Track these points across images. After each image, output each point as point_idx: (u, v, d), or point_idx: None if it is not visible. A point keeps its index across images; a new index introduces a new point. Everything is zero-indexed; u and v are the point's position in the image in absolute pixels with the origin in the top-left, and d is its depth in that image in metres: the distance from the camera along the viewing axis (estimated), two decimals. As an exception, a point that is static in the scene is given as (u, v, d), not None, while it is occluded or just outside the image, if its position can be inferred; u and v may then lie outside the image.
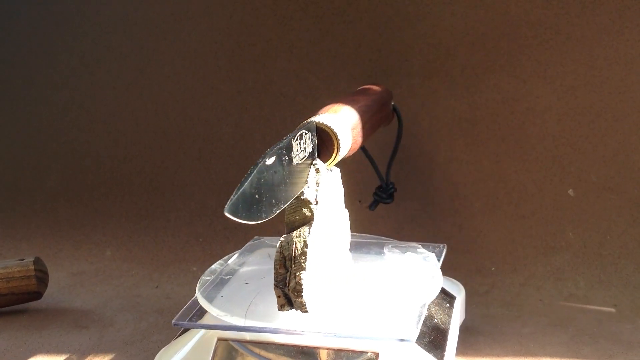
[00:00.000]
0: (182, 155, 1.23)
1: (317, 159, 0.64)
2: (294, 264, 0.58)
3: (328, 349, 0.62)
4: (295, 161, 0.60)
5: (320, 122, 0.64)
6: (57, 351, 0.80)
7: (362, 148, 0.90)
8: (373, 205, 0.95)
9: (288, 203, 0.60)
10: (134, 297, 0.97)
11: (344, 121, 0.67)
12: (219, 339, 0.65)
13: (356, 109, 0.73)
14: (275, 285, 0.59)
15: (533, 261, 1.01)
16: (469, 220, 1.07)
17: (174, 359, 0.67)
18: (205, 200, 1.19)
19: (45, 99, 1.32)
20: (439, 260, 0.76)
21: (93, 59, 1.29)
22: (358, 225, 0.79)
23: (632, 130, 1.03)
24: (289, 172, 0.59)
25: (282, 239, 0.60)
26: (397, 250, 0.79)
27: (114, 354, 0.79)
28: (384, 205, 0.96)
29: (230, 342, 0.65)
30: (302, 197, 0.61)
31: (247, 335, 0.64)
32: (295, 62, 1.18)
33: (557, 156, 1.05)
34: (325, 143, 0.65)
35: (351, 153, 0.71)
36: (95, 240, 1.18)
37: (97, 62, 1.28)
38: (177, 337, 0.72)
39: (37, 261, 0.92)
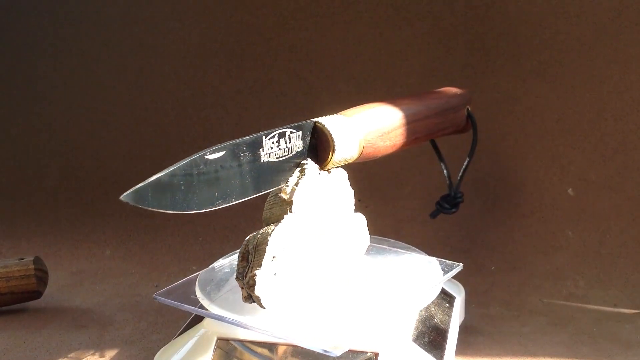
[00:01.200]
0: (182, 154, 1.21)
1: (308, 159, 0.64)
2: (254, 258, 0.59)
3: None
4: (265, 159, 0.60)
5: (319, 122, 0.64)
6: (57, 350, 0.80)
7: (437, 153, 0.87)
8: (434, 214, 0.88)
9: (247, 198, 0.60)
10: (134, 296, 0.97)
11: (352, 124, 0.65)
12: (219, 338, 0.65)
13: (388, 113, 0.70)
14: (237, 277, 0.60)
15: (533, 260, 1.01)
16: (469, 220, 1.07)
17: (173, 358, 0.67)
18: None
19: (45, 97, 1.32)
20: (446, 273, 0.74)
21: (93, 58, 1.29)
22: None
23: (632, 129, 1.03)
24: (252, 169, 0.60)
25: (253, 233, 0.61)
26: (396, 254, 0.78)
27: (113, 353, 0.79)
28: (388, 204, 0.95)
29: (230, 342, 0.65)
30: (278, 194, 0.62)
31: (240, 332, 0.64)
32: (295, 62, 1.18)
33: (557, 155, 1.05)
34: (322, 144, 0.64)
35: (371, 158, 0.69)
36: (95, 240, 1.18)
37: (97, 62, 1.29)
38: (177, 337, 0.72)
39: (37, 260, 0.92)
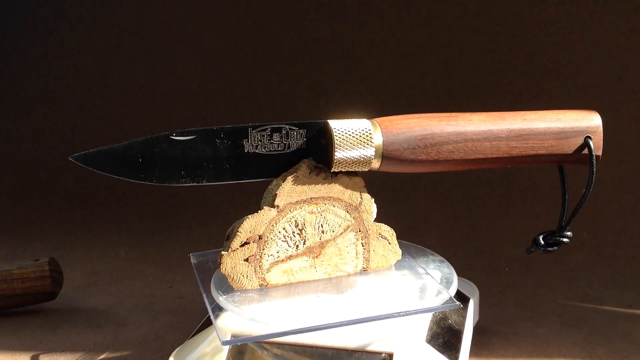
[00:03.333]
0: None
1: (309, 159, 0.65)
2: (228, 241, 0.64)
3: (343, 349, 0.62)
4: (250, 149, 0.63)
5: (329, 122, 0.64)
6: (72, 350, 0.80)
7: (562, 180, 0.75)
8: (529, 250, 0.75)
9: (223, 182, 0.63)
10: (148, 297, 0.97)
11: (373, 129, 0.64)
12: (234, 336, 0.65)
13: (430, 125, 0.66)
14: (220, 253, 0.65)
15: (547, 261, 1.01)
16: (483, 220, 1.07)
17: (188, 359, 0.67)
18: (218, 201, 1.19)
19: (59, 100, 1.32)
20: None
21: (108, 61, 1.29)
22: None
23: (647, 130, 1.03)
24: (231, 157, 0.63)
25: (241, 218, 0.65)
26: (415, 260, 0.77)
27: (128, 354, 0.79)
28: (402, 205, 0.95)
29: (247, 342, 0.65)
30: (270, 186, 0.65)
31: (254, 332, 0.64)
32: (308, 63, 1.18)
33: (571, 156, 1.05)
34: (330, 145, 0.64)
35: (406, 170, 0.67)
36: (109, 241, 1.18)
37: (111, 64, 1.29)
38: (191, 337, 0.72)
39: (52, 262, 0.93)
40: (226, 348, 0.65)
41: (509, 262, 1.02)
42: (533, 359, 0.76)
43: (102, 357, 0.78)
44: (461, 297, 0.77)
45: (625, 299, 0.92)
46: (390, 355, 0.62)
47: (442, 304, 0.63)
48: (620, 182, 1.02)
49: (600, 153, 0.72)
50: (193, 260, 0.74)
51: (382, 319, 0.60)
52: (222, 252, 0.64)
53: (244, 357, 0.65)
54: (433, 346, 0.65)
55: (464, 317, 0.74)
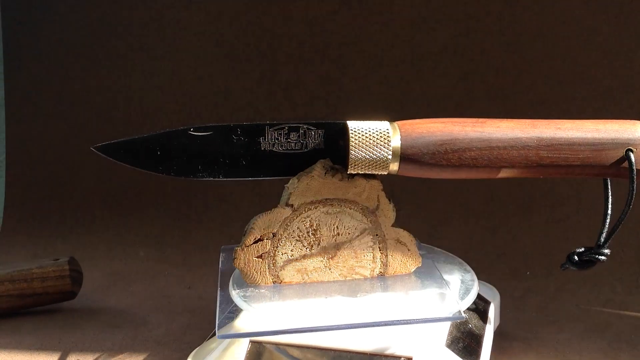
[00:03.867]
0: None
1: (326, 160, 0.65)
2: (244, 237, 0.66)
3: (362, 352, 0.62)
4: (266, 147, 0.64)
5: (347, 123, 0.64)
6: (91, 350, 0.81)
7: (605, 192, 0.70)
8: (563, 266, 0.72)
9: (240, 179, 0.65)
10: (167, 297, 0.98)
11: (392, 133, 0.63)
12: (252, 342, 0.65)
13: (454, 131, 0.65)
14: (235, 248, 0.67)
15: (569, 265, 1.00)
16: (504, 224, 1.06)
17: (206, 360, 0.67)
18: (238, 201, 1.19)
19: (79, 100, 1.33)
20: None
21: (126, 61, 1.30)
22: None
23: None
24: (247, 154, 0.64)
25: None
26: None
27: (147, 354, 0.79)
28: (421, 207, 0.93)
29: (264, 344, 0.65)
30: (286, 184, 0.66)
31: (277, 337, 0.64)
32: (327, 64, 1.18)
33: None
34: (347, 146, 0.63)
35: (428, 175, 0.66)
36: (129, 241, 1.19)
37: (130, 65, 1.30)
38: (209, 338, 0.72)
39: (72, 261, 0.93)
40: (244, 349, 0.65)
41: (530, 267, 1.01)
42: (555, 364, 0.75)
43: (120, 356, 0.79)
44: (482, 301, 0.77)
45: (650, 304, 0.91)
46: (410, 359, 0.61)
47: (449, 316, 0.62)
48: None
49: None
50: (222, 254, 0.75)
51: (381, 325, 0.60)
52: (236, 247, 0.66)
53: (261, 359, 0.65)
54: (453, 350, 0.64)
55: (485, 322, 0.73)
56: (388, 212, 0.67)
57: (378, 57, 1.15)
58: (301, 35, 1.18)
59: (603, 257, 0.67)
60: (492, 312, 0.77)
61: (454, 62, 1.10)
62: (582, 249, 0.69)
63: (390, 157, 0.63)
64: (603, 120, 0.68)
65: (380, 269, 0.68)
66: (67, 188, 1.30)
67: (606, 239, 0.68)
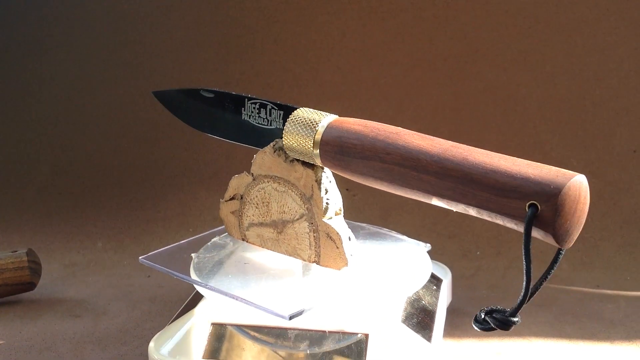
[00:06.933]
0: (171, 146, 1.24)
1: (280, 140, 0.67)
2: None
3: (319, 330, 0.64)
4: (245, 117, 0.70)
5: (296, 111, 0.66)
6: (52, 339, 0.81)
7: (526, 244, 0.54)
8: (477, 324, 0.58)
9: (231, 141, 0.72)
10: (127, 286, 0.98)
11: (321, 124, 0.64)
12: (213, 324, 0.67)
13: (369, 134, 0.60)
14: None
15: (517, 244, 1.03)
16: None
17: (168, 344, 0.68)
18: (195, 190, 1.20)
19: (34, 93, 1.32)
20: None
21: (81, 54, 1.29)
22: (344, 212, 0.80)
23: (610, 116, 1.05)
24: (233, 120, 0.71)
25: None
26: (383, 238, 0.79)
27: (108, 342, 0.80)
28: (375, 192, 0.94)
29: (226, 326, 0.66)
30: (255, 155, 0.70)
31: (234, 316, 0.66)
32: (280, 54, 1.19)
33: (539, 142, 1.07)
34: None
35: (349, 176, 0.64)
36: (87, 232, 1.18)
37: (85, 57, 1.29)
38: (171, 323, 0.73)
39: (30, 252, 0.93)
40: (206, 332, 0.66)
41: (480, 246, 1.04)
42: (504, 337, 0.78)
43: (82, 345, 0.79)
44: (434, 279, 0.79)
45: (593, 279, 0.95)
46: (366, 336, 0.63)
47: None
48: (586, 166, 1.05)
49: (556, 231, 0.53)
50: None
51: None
52: (220, 199, 0.73)
53: (223, 340, 0.66)
54: (408, 326, 0.66)
55: (437, 299, 0.76)
56: (320, 203, 0.65)
57: (330, 46, 1.16)
58: (253, 25, 1.19)
59: (517, 322, 0.57)
60: (445, 289, 0.80)
61: (404, 50, 1.13)
62: (499, 310, 0.57)
63: (311, 148, 0.64)
64: (541, 164, 0.55)
65: (315, 257, 0.68)
66: (23, 180, 1.29)
67: (518, 307, 0.57)
